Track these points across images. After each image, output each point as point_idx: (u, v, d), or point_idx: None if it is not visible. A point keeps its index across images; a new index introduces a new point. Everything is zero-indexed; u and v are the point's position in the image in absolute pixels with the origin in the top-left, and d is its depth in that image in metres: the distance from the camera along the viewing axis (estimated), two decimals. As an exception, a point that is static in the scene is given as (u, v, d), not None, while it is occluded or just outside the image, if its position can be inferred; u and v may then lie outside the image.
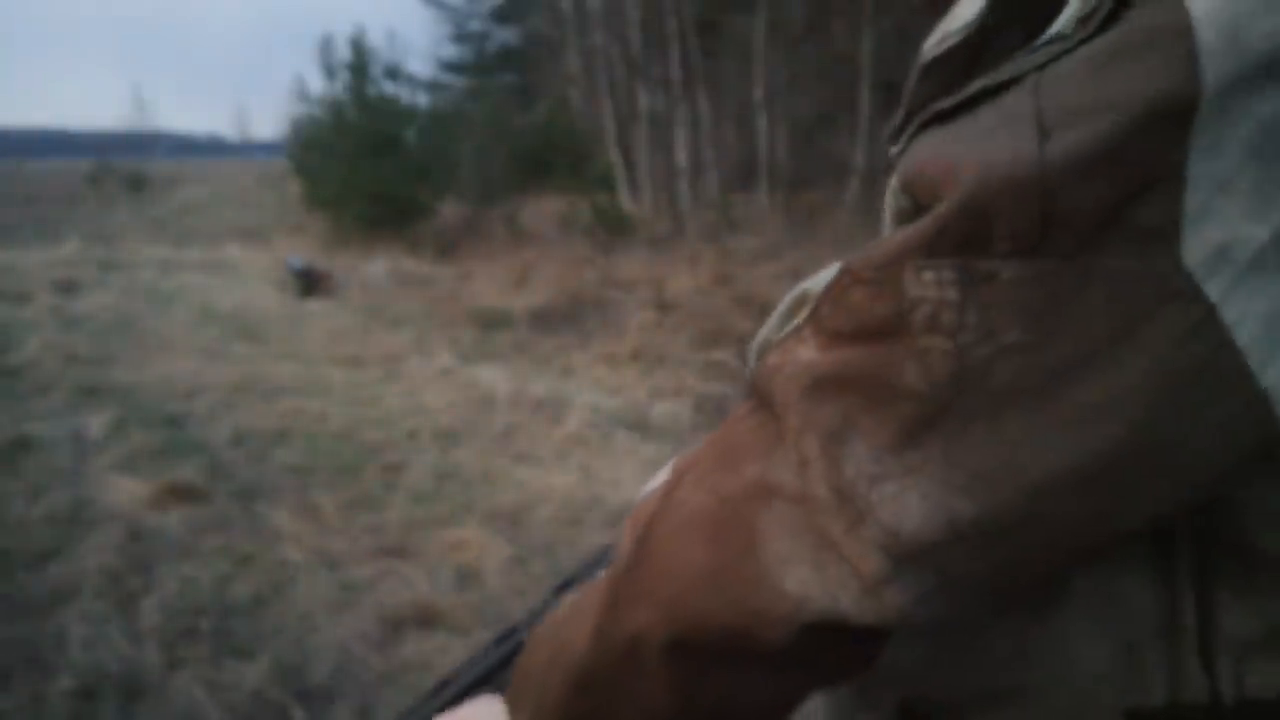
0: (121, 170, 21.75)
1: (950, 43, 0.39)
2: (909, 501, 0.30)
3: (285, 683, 2.25)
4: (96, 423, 4.12)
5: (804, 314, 0.35)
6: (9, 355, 5.39)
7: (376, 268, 8.94)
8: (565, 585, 0.58)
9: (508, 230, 10.77)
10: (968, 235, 0.29)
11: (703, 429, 4.39)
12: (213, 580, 2.74)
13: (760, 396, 0.35)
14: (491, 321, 6.71)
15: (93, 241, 10.90)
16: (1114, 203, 0.27)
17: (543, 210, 11.70)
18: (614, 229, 9.88)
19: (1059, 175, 0.28)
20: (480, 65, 22.32)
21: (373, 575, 2.80)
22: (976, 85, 0.34)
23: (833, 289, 0.33)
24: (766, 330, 0.38)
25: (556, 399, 4.74)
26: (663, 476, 0.42)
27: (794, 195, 11.09)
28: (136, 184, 20.64)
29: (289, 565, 2.85)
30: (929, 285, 0.30)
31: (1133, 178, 0.27)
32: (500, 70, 21.78)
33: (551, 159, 13.75)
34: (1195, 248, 0.27)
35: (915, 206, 0.34)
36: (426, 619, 2.55)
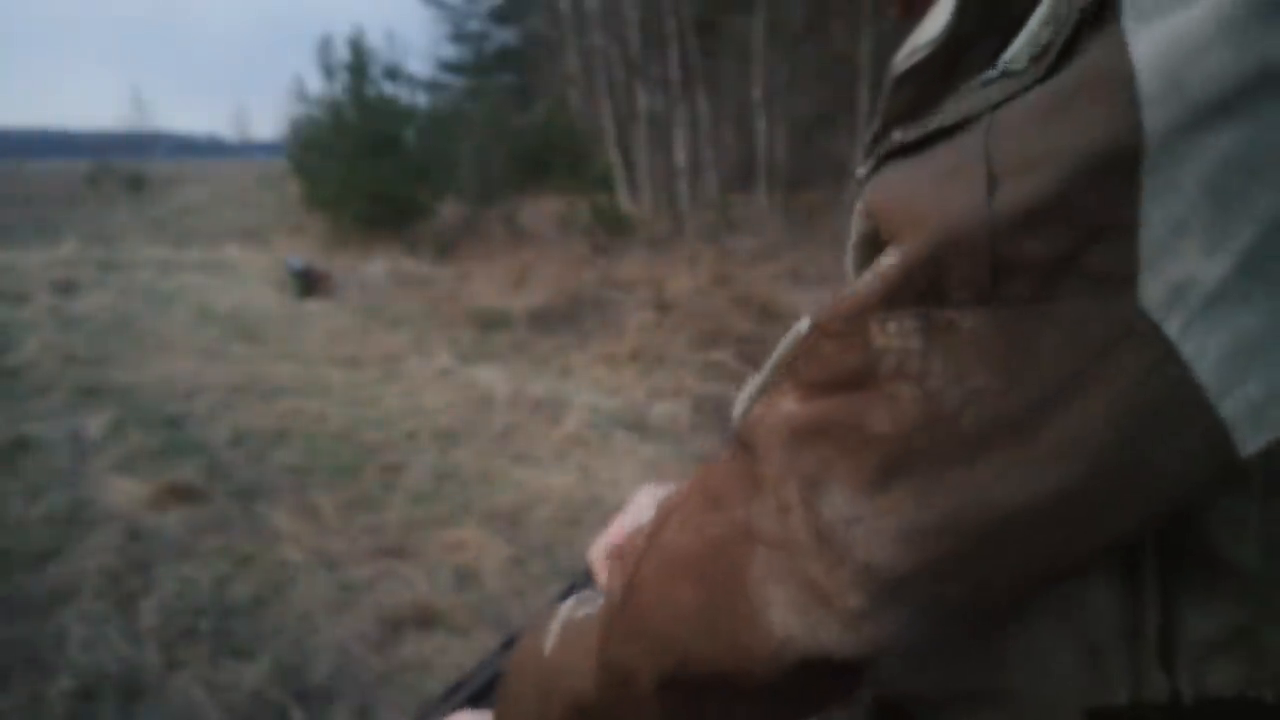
0: (121, 170, 21.77)
1: (918, 57, 0.39)
2: (883, 541, 0.31)
3: (285, 683, 2.25)
4: (95, 423, 4.12)
5: (785, 367, 0.37)
6: (8, 356, 5.39)
7: (375, 268, 8.94)
8: (569, 592, 0.58)
9: (507, 230, 10.77)
10: (927, 285, 0.30)
11: (702, 429, 4.40)
12: (212, 580, 2.74)
13: (743, 445, 0.37)
14: (490, 322, 6.71)
15: (92, 242, 10.90)
16: (1065, 252, 0.28)
17: (542, 210, 11.69)
18: (613, 229, 9.88)
19: (1006, 227, 0.29)
20: (479, 65, 22.35)
21: (372, 575, 2.80)
22: (934, 123, 0.35)
23: (806, 343, 0.35)
24: (759, 381, 0.40)
25: (555, 399, 4.74)
26: (646, 514, 0.44)
27: (793, 195, 11.10)
28: (136, 184, 20.65)
29: (288, 565, 2.85)
30: (893, 335, 0.31)
31: (1082, 227, 0.28)
32: (499, 70, 21.80)
33: (550, 159, 13.72)
34: (1153, 288, 0.28)
35: (877, 235, 0.35)
36: (425, 619, 2.55)
